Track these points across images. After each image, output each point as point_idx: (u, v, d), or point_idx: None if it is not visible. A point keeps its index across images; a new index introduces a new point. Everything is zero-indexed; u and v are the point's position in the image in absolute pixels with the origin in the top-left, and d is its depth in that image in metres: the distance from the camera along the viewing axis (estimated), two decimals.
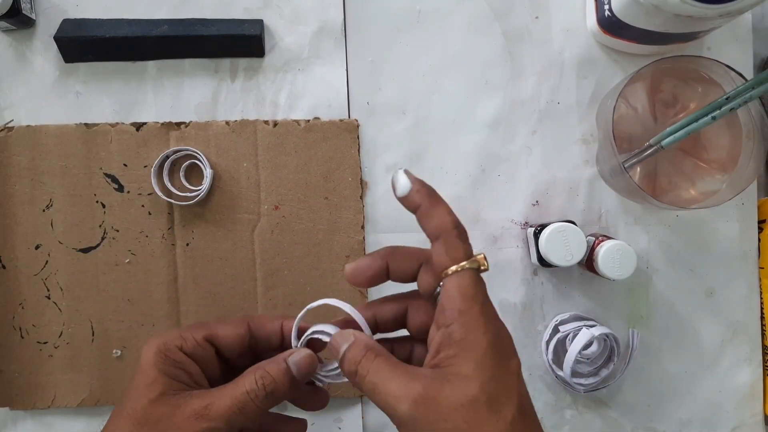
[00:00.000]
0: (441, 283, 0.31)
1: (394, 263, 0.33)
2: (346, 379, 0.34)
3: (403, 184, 0.31)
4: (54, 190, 0.52)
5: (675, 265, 0.54)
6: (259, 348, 0.37)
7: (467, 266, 0.30)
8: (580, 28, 0.54)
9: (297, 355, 0.34)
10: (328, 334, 0.34)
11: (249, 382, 0.32)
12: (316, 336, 0.35)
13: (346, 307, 0.34)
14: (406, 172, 0.31)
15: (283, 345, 0.37)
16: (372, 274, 0.33)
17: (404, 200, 0.31)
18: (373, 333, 0.35)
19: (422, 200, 0.31)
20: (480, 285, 0.30)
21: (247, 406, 0.32)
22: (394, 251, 0.33)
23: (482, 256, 0.31)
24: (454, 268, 0.30)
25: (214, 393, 0.32)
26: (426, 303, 0.34)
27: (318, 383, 0.37)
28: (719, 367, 0.55)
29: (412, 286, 0.35)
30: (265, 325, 0.36)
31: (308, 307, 0.34)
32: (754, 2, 0.40)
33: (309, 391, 0.38)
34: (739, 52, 0.53)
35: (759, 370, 0.55)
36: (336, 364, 0.35)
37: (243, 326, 0.36)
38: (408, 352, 0.36)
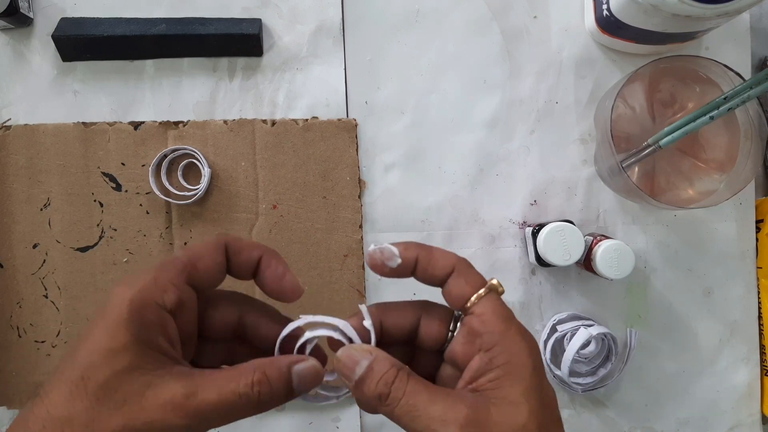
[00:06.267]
0: (461, 316, 0.30)
1: (389, 320, 0.31)
2: (334, 400, 0.31)
3: (391, 251, 0.30)
4: (52, 189, 0.51)
5: (673, 264, 0.54)
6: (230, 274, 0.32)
7: (487, 292, 0.30)
8: (578, 28, 0.54)
9: (303, 364, 0.28)
10: (338, 330, 0.30)
11: (244, 383, 0.26)
12: (318, 334, 0.30)
13: (341, 324, 0.30)
14: (383, 245, 0.30)
15: (257, 275, 0.32)
16: (363, 330, 0.30)
17: (402, 265, 0.30)
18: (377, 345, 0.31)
19: (417, 251, 0.30)
20: (508, 307, 0.30)
21: (234, 409, 0.26)
22: (384, 308, 0.31)
23: (496, 281, 0.30)
24: (481, 292, 0.29)
25: (198, 379, 0.26)
26: (442, 316, 0.32)
27: (304, 398, 0.30)
28: (717, 366, 0.55)
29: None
30: (242, 251, 0.31)
31: (298, 323, 0.31)
32: (752, 2, 0.40)
33: None
34: (737, 52, 0.54)
35: (756, 370, 0.55)
36: (333, 377, 0.31)
37: (221, 252, 0.30)
38: (430, 370, 0.32)
